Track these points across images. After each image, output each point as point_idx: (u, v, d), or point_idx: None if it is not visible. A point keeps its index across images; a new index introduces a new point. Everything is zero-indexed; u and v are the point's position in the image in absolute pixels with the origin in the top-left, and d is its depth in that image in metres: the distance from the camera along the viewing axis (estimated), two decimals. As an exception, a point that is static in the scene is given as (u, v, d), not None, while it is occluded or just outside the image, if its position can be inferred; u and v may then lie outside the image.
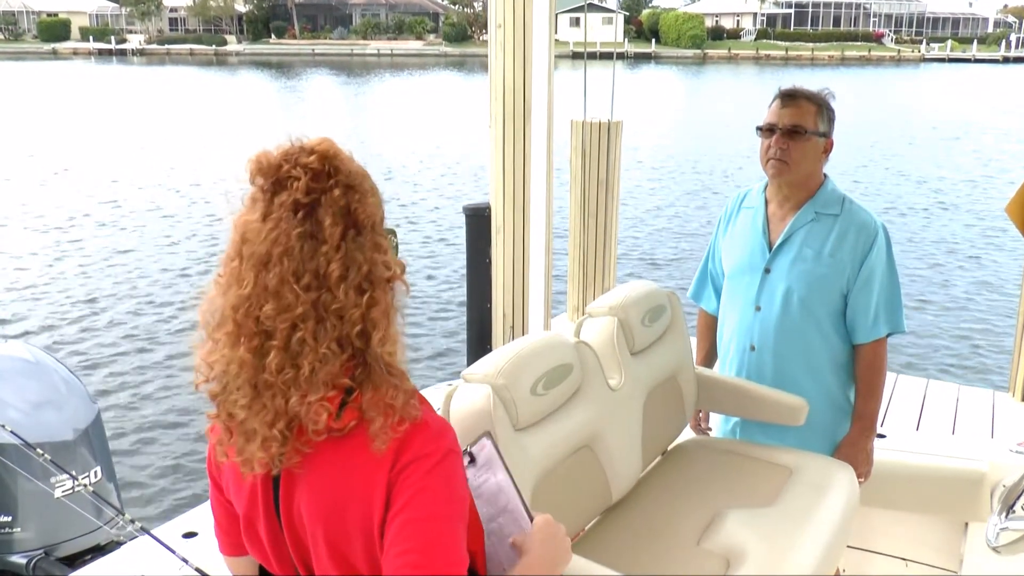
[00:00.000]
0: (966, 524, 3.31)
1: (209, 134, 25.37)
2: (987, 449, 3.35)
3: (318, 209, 1.28)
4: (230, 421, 1.33)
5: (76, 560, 3.18)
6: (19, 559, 3.06)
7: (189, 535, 2.49)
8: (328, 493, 1.33)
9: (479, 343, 4.70)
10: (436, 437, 1.34)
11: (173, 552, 2.29)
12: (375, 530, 1.32)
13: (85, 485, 2.42)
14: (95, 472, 3.20)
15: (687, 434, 3.13)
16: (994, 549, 2.24)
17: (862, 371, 2.95)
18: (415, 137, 25.01)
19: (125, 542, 3.37)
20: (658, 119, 29.82)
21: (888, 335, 2.92)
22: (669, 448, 2.98)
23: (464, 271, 4.79)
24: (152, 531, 2.39)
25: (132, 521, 2.32)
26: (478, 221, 4.48)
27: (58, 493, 3.08)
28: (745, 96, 38.36)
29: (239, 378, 1.29)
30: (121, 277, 11.69)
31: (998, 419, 4.23)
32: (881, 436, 3.43)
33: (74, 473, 2.67)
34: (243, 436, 1.32)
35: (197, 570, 2.29)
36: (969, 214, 16.14)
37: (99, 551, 3.25)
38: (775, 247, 2.95)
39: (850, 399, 2.99)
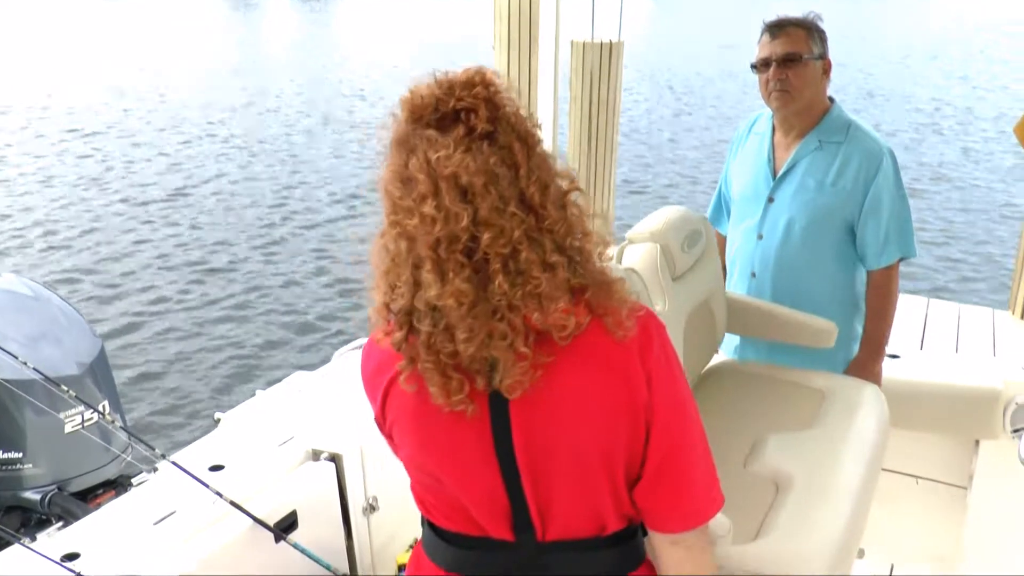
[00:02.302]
0: (977, 442, 3.35)
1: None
2: (999, 367, 3.36)
3: (500, 135, 1.29)
4: (451, 359, 1.30)
5: (88, 495, 3.14)
6: (32, 495, 3.00)
7: (216, 468, 2.44)
8: (578, 396, 1.32)
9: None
10: (652, 315, 1.40)
11: (206, 486, 2.24)
12: (639, 417, 1.34)
13: (104, 415, 2.35)
14: (103, 406, 3.13)
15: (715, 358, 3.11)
16: None
17: (873, 296, 2.95)
18: (414, 61, 24.48)
19: (134, 476, 3.34)
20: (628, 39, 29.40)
21: (900, 260, 2.90)
22: (702, 372, 2.98)
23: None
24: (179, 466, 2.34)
25: (163, 456, 2.26)
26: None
27: (68, 428, 3.01)
28: (716, 16, 37.91)
29: (458, 311, 1.26)
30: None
31: (999, 337, 4.25)
32: (894, 356, 3.44)
33: (102, 408, 2.60)
34: (470, 368, 1.30)
35: (232, 503, 2.25)
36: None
37: (110, 485, 3.21)
38: (779, 176, 2.93)
39: (853, 328, 2.99)
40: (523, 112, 1.34)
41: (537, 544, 1.40)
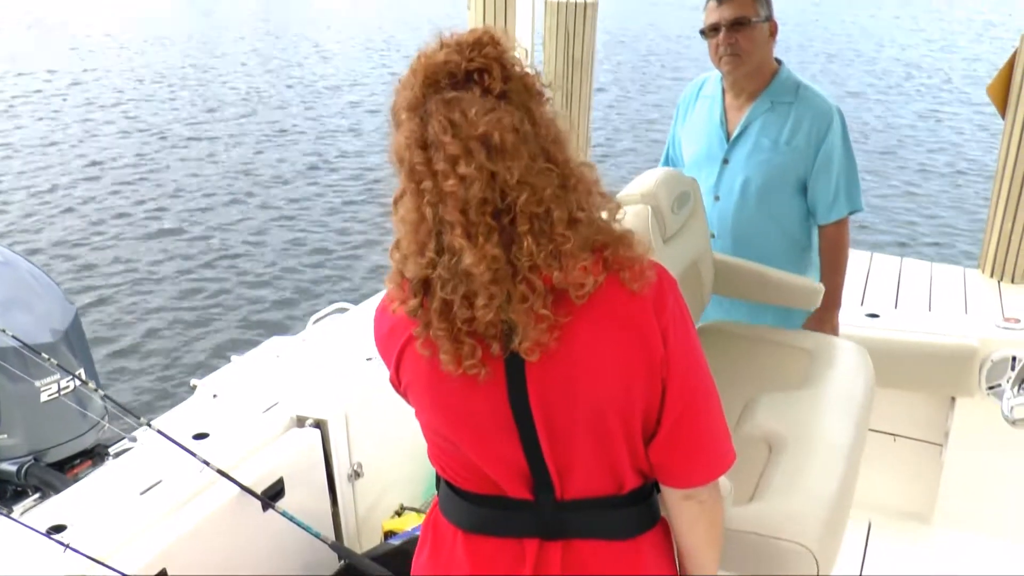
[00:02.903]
0: (953, 399, 3.39)
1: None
2: (975, 325, 3.40)
3: (513, 95, 1.27)
4: (466, 325, 1.28)
5: (65, 465, 3.09)
6: (8, 466, 2.94)
7: (200, 436, 2.40)
8: (595, 354, 1.31)
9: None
10: (665, 271, 1.39)
11: (193, 454, 2.21)
12: (656, 373, 1.34)
13: (88, 383, 2.29)
14: (79, 375, 3.07)
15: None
16: (1011, 423, 2.29)
17: (826, 250, 3.04)
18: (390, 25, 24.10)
19: (111, 446, 3.29)
20: None
21: (849, 214, 3.00)
22: None
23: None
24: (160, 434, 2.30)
25: (148, 424, 2.22)
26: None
27: (44, 397, 2.95)
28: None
29: (483, 276, 1.24)
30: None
31: (970, 295, 4.30)
32: (873, 316, 3.47)
33: (81, 375, 2.54)
34: (485, 334, 1.28)
35: (220, 472, 2.22)
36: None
37: (87, 455, 3.16)
38: (732, 138, 2.99)
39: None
40: (530, 71, 1.32)
41: (556, 503, 1.40)
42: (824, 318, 3.05)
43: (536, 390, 1.32)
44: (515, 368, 1.32)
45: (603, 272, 1.31)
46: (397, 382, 1.44)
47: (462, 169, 1.22)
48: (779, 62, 3.00)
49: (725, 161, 3.00)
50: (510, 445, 1.36)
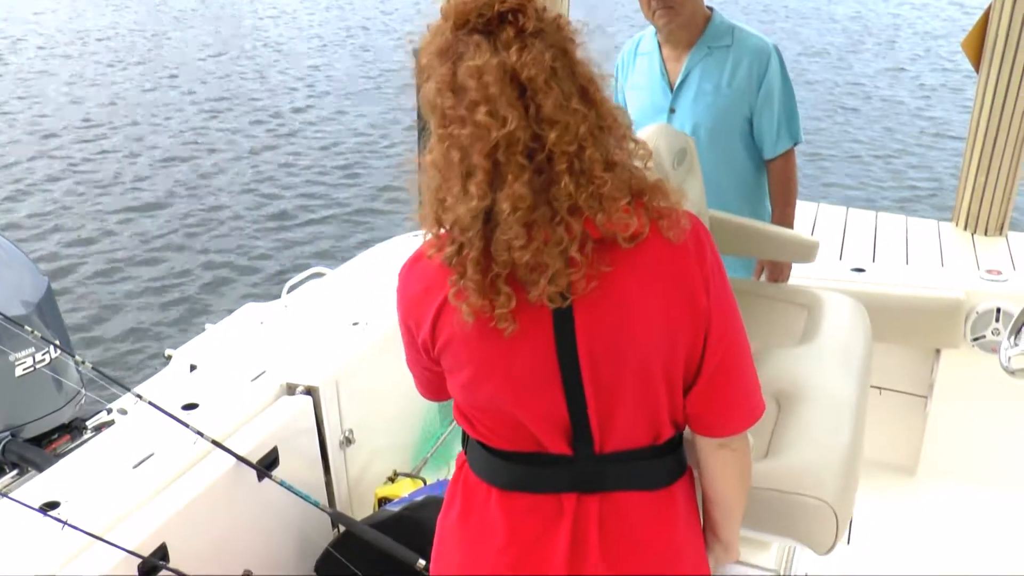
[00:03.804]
0: (937, 351, 3.41)
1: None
2: (960, 277, 3.41)
3: (547, 34, 1.25)
4: (504, 269, 1.25)
5: (43, 441, 3.00)
6: (-15, 444, 2.85)
7: (190, 406, 2.33)
8: (642, 305, 1.30)
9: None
10: (699, 220, 1.37)
11: (186, 425, 2.14)
12: (700, 323, 1.33)
13: (75, 356, 2.20)
14: (53, 348, 2.97)
15: None
16: (1010, 372, 2.29)
17: (776, 184, 3.15)
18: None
19: (88, 420, 3.21)
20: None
21: (793, 146, 3.11)
22: None
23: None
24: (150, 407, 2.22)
25: (139, 396, 2.14)
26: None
27: (19, 371, 2.85)
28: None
29: (514, 216, 1.21)
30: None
31: (945, 248, 4.33)
32: (859, 270, 3.47)
33: (73, 354, 2.44)
34: (526, 280, 1.25)
35: (214, 443, 2.16)
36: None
37: (65, 430, 3.07)
38: (675, 87, 3.06)
39: (762, 217, 3.16)
40: (559, 13, 1.30)
41: (594, 456, 1.38)
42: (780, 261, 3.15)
43: (584, 340, 1.30)
44: (563, 319, 1.29)
45: (646, 220, 1.29)
46: (430, 343, 1.39)
47: (481, 111, 1.20)
48: (711, 9, 3.07)
49: (672, 111, 3.06)
50: (553, 398, 1.34)
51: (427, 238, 1.35)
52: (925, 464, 3.44)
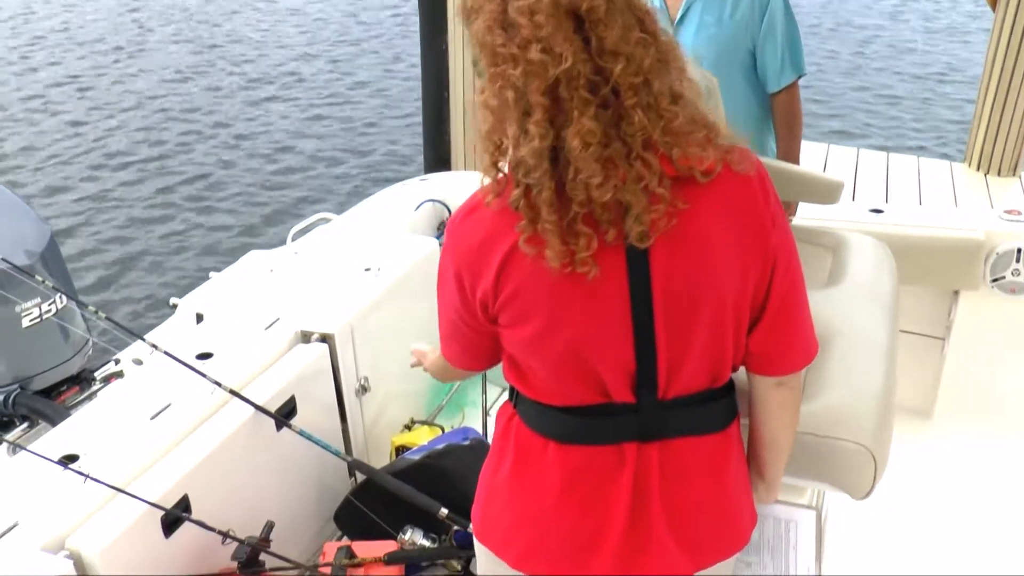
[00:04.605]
0: (956, 292, 3.36)
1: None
2: (978, 217, 3.35)
3: None
4: (583, 208, 1.20)
5: (52, 393, 2.94)
6: (-7, 396, 2.79)
7: (204, 356, 2.28)
8: (717, 242, 1.27)
9: (436, 135, 4.45)
10: (757, 158, 1.35)
11: (203, 375, 2.09)
12: (768, 259, 1.31)
13: (87, 306, 2.13)
14: (59, 298, 2.90)
15: None
16: None
17: (781, 116, 3.13)
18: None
19: (96, 371, 3.15)
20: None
21: (797, 78, 3.09)
22: None
23: (418, 61, 4.49)
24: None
25: (154, 346, 2.08)
26: (433, 3, 4.15)
27: (26, 322, 2.79)
28: None
29: (586, 153, 1.16)
30: None
31: (959, 189, 4.28)
32: (878, 211, 3.41)
33: (84, 303, 2.38)
34: (603, 219, 1.21)
35: (232, 392, 2.12)
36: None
37: (74, 381, 3.02)
38: (676, 21, 3.02)
39: (767, 146, 3.17)
40: None
41: (657, 403, 1.35)
42: None
43: (660, 281, 1.26)
44: (637, 260, 1.25)
45: (717, 154, 1.24)
46: (492, 296, 1.32)
47: (546, 45, 1.15)
48: None
49: None
50: (622, 344, 1.30)
51: (484, 183, 1.28)
52: (942, 407, 3.42)
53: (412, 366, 2.11)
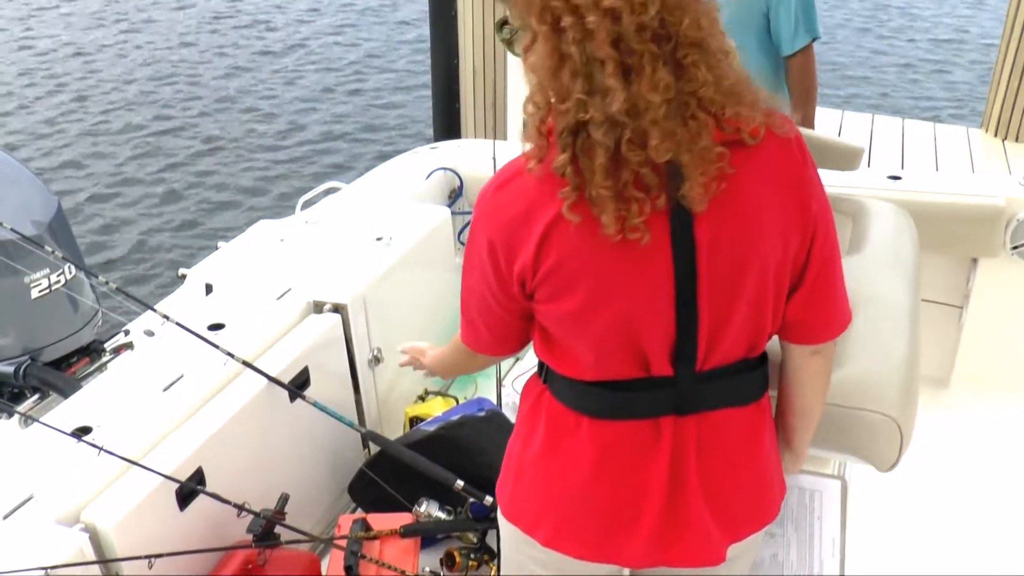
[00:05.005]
0: (974, 260, 3.31)
1: None
2: (998, 184, 3.30)
3: None
4: (640, 167, 1.15)
5: (62, 364, 2.92)
6: (4, 367, 2.76)
7: (216, 327, 2.25)
8: (761, 207, 1.23)
9: (446, 102, 4.39)
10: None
11: (216, 347, 2.06)
12: (809, 225, 1.28)
13: (97, 276, 2.10)
14: (68, 269, 2.87)
15: None
16: None
17: (796, 80, 3.14)
18: None
19: (106, 342, 3.12)
20: None
21: (812, 41, 3.09)
22: None
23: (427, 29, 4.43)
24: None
25: (166, 317, 2.05)
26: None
27: (35, 293, 2.76)
28: None
29: (658, 110, 1.12)
30: None
31: (976, 155, 4.22)
32: (896, 177, 3.35)
33: (96, 274, 2.34)
34: (653, 183, 1.17)
35: (245, 363, 2.09)
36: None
37: (84, 352, 2.99)
38: None
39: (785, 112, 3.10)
40: None
41: (695, 375, 1.32)
42: None
43: (705, 248, 1.22)
44: (682, 226, 1.21)
45: (762, 117, 1.21)
46: (531, 269, 1.26)
47: (576, 17, 1.11)
48: None
49: None
50: (663, 315, 1.26)
51: (525, 149, 1.23)
52: (959, 375, 3.38)
53: (401, 365, 2.08)
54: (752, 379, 1.39)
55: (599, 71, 1.12)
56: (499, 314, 1.40)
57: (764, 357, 1.41)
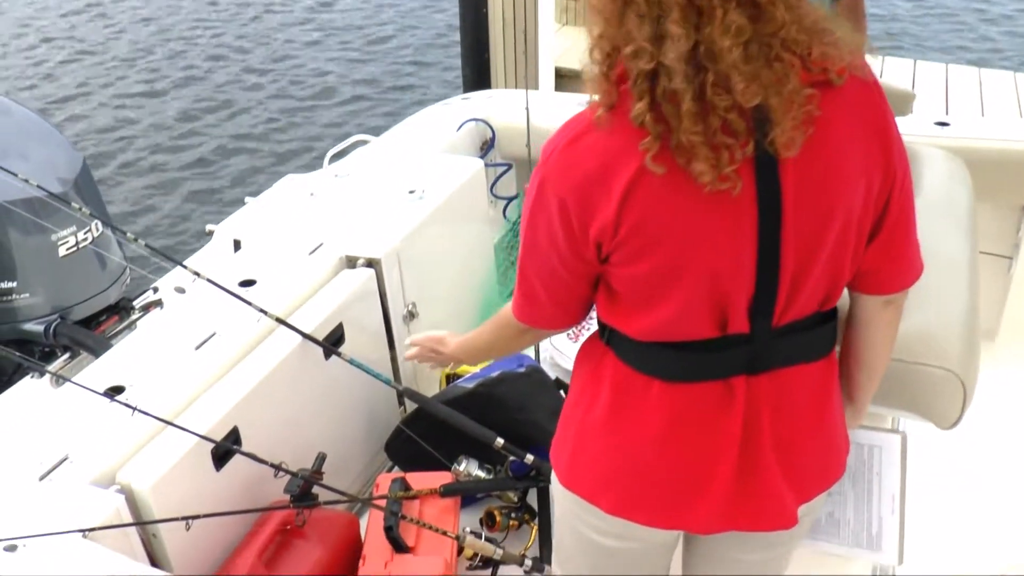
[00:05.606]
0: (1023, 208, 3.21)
1: None
2: None
3: None
4: (727, 113, 1.08)
5: (91, 323, 2.89)
6: (34, 326, 2.74)
7: (247, 283, 2.19)
8: (846, 153, 1.17)
9: (476, 53, 4.30)
10: None
11: (248, 303, 2.01)
12: (890, 171, 1.22)
13: (126, 233, 2.04)
14: (96, 226, 2.83)
15: None
16: None
17: (846, 10, 2.93)
18: None
19: (135, 299, 3.08)
20: None
21: None
22: None
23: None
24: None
25: (197, 274, 2.00)
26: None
27: (62, 251, 2.72)
28: None
29: (733, 53, 1.05)
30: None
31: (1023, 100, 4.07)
32: (943, 124, 3.23)
33: (123, 230, 2.28)
34: (740, 129, 1.10)
35: (279, 320, 2.04)
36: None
37: (113, 311, 2.96)
38: None
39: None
40: None
41: (770, 331, 1.25)
42: None
43: (792, 196, 1.15)
44: (767, 173, 1.14)
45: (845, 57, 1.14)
46: (611, 229, 1.17)
47: None
48: None
49: None
50: (745, 269, 1.19)
51: (592, 99, 1.15)
52: (1007, 328, 3.28)
53: (407, 358, 1.99)
54: (824, 333, 1.33)
55: (667, 16, 1.05)
56: (565, 279, 1.30)
57: (835, 310, 1.34)
